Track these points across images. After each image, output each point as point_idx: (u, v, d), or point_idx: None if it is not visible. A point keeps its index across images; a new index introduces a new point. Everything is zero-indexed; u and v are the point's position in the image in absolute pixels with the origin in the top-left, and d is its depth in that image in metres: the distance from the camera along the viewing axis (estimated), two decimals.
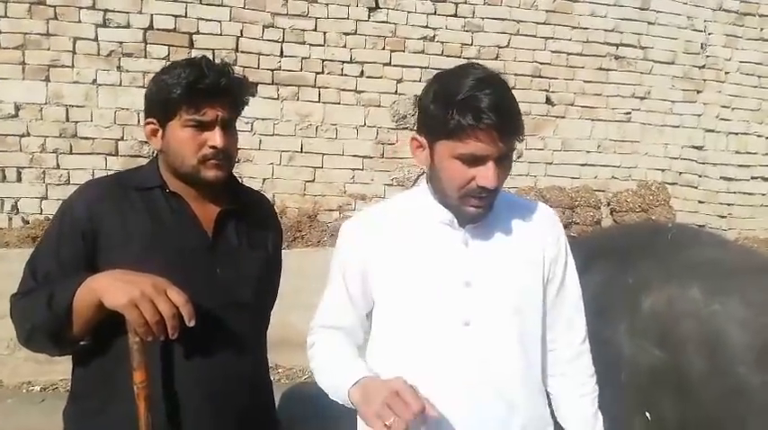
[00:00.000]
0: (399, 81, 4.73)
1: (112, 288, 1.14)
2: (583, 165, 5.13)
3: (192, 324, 1.14)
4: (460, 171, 1.14)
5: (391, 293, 1.24)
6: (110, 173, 4.24)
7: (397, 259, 1.23)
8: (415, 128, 1.25)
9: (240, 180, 1.57)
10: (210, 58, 1.37)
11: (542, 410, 1.31)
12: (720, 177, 5.27)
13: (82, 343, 1.24)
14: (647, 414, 1.63)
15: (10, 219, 4.12)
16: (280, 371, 3.65)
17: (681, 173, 5.28)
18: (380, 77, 4.69)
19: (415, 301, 1.21)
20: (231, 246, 1.39)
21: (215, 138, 1.30)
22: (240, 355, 1.37)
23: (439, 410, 1.08)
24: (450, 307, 1.20)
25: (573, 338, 1.35)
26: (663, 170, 5.28)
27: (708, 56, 5.25)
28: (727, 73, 5.28)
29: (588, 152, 5.13)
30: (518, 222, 1.28)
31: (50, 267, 1.26)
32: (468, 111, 1.08)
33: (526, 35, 4.92)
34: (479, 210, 1.18)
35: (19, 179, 4.15)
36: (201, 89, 1.28)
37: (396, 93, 4.73)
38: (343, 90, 4.64)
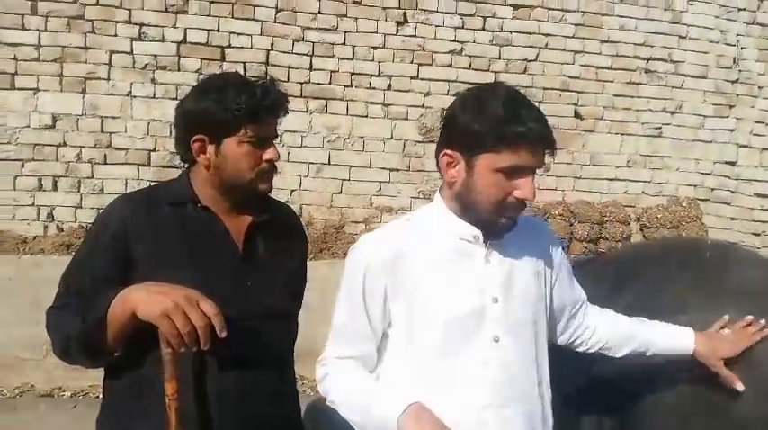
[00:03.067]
0: (427, 94, 4.75)
1: (146, 299, 1.16)
2: (612, 179, 5.07)
3: (223, 334, 1.16)
4: (501, 184, 1.17)
5: (419, 314, 1.23)
6: (142, 183, 4.36)
7: (422, 279, 1.22)
8: (442, 143, 1.25)
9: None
10: (242, 71, 1.40)
11: (551, 420, 1.34)
12: (754, 194, 5.15)
13: (116, 354, 1.26)
14: None
15: (45, 227, 4.23)
16: (305, 382, 3.65)
17: (713, 189, 5.19)
18: (408, 91, 4.71)
19: (447, 319, 1.21)
20: (261, 258, 1.40)
21: (271, 152, 1.36)
22: (271, 367, 1.38)
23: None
24: (481, 323, 1.21)
25: (591, 309, 1.47)
26: (694, 186, 5.19)
27: (741, 70, 5.16)
28: (760, 88, 5.18)
29: (618, 167, 5.07)
30: (524, 237, 1.30)
31: (85, 281, 1.29)
32: (518, 124, 1.13)
33: (555, 49, 4.90)
34: (511, 223, 1.21)
35: (55, 188, 4.27)
36: (263, 107, 1.32)
37: (423, 106, 4.74)
38: (371, 103, 4.67)
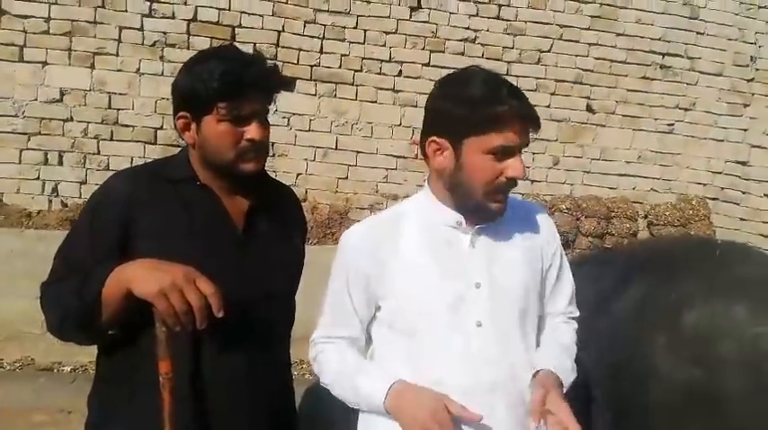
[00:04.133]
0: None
1: (142, 277, 1.13)
2: (621, 175, 5.02)
3: (220, 315, 1.13)
4: (491, 165, 1.18)
5: (403, 298, 1.25)
6: (148, 161, 4.32)
7: (407, 263, 1.25)
8: (426, 132, 1.26)
9: (274, 175, 1.56)
10: (251, 51, 1.36)
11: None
12: (764, 195, 5.08)
13: (110, 332, 1.23)
14: None
15: (50, 201, 4.22)
16: (304, 366, 3.64)
17: (723, 188, 5.13)
18: (418, 78, 4.66)
19: (429, 304, 1.23)
20: (261, 240, 1.37)
21: (253, 131, 1.29)
22: (267, 349, 1.36)
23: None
24: (464, 308, 1.22)
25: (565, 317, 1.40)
26: (704, 184, 5.13)
27: (757, 69, 5.08)
28: None
29: (628, 162, 5.02)
30: (518, 222, 1.31)
31: (82, 256, 1.25)
32: (500, 104, 1.14)
33: (569, 40, 4.83)
34: (502, 205, 1.22)
35: (60, 163, 4.25)
36: (239, 82, 1.25)
37: None
38: (381, 89, 4.62)
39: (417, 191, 4.51)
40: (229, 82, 1.24)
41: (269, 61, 1.35)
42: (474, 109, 1.16)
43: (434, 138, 1.23)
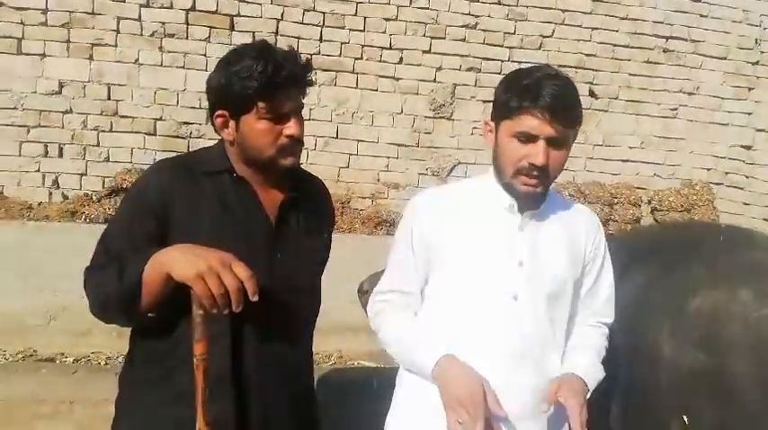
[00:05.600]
0: (438, 69, 4.66)
1: (181, 261, 1.18)
2: (624, 161, 4.99)
3: (255, 298, 1.18)
4: (515, 149, 1.31)
5: (453, 265, 1.37)
6: (148, 152, 4.32)
7: (462, 235, 1.37)
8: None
9: None
10: (250, 41, 1.36)
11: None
12: None
13: (150, 314, 1.28)
14: (685, 418, 1.57)
15: (50, 193, 4.22)
16: (315, 356, 3.66)
17: (727, 173, 5.10)
18: (419, 65, 4.63)
19: (473, 273, 1.36)
20: (292, 232, 1.43)
21: (292, 127, 1.34)
22: (296, 338, 1.44)
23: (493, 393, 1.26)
24: (504, 281, 1.35)
25: (596, 320, 1.50)
26: (708, 169, 5.10)
27: (762, 52, 5.04)
28: None
29: (631, 148, 4.99)
30: (566, 219, 1.44)
31: (122, 245, 1.31)
32: (527, 93, 1.27)
33: (572, 25, 4.79)
34: (529, 188, 1.32)
35: (60, 155, 4.24)
36: (277, 81, 1.29)
37: (434, 81, 4.66)
38: (382, 77, 4.60)
39: (420, 179, 4.49)
40: (268, 81, 1.28)
41: (302, 55, 1.38)
42: (511, 96, 1.30)
43: (487, 120, 1.41)
